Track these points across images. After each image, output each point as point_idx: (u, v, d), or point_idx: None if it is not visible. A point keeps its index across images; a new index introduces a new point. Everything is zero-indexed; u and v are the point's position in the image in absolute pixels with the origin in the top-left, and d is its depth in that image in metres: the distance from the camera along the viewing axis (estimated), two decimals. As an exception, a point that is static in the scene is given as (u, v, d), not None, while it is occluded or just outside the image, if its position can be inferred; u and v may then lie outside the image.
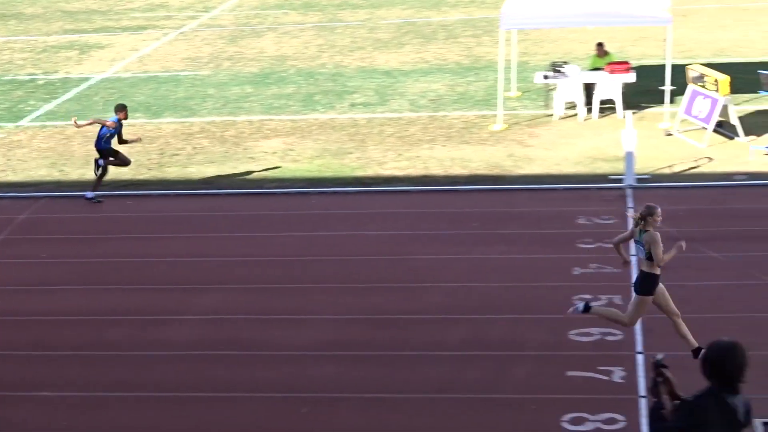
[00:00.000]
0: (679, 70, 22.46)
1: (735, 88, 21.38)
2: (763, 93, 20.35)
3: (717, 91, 20.79)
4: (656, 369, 7.51)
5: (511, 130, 22.46)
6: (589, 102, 23.14)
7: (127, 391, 12.78)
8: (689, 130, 21.49)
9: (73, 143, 23.18)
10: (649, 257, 12.26)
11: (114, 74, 29.38)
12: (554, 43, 29.92)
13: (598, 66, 23.70)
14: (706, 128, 20.98)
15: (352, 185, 19.81)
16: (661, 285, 12.41)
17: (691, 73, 21.85)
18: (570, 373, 12.65)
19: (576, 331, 13.64)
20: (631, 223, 17.14)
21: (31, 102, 26.86)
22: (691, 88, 21.69)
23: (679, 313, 12.47)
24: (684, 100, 21.80)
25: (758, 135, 20.83)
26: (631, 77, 23.17)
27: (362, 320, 14.40)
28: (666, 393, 7.44)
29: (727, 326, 12.67)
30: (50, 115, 25.58)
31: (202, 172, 20.84)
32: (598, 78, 23.13)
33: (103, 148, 19.48)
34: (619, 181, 19.04)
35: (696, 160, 20.10)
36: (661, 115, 22.31)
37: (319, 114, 24.47)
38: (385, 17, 35.47)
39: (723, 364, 7.15)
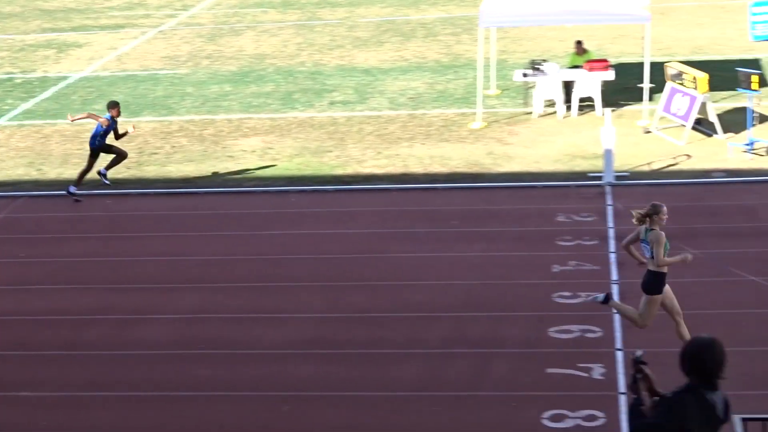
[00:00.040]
0: (657, 68, 22.52)
1: (713, 86, 21.44)
2: (741, 90, 20.40)
3: (695, 88, 20.85)
4: (635, 365, 7.50)
5: (491, 128, 22.48)
6: (568, 100, 23.17)
7: (106, 391, 12.74)
8: (668, 128, 21.55)
9: (51, 142, 23.08)
10: (653, 255, 12.21)
11: (92, 73, 29.26)
12: (533, 41, 29.95)
13: (577, 64, 23.74)
14: (684, 126, 21.04)
15: (331, 184, 19.78)
16: (666, 284, 12.36)
17: (670, 70, 21.91)
18: (550, 370, 12.67)
19: (556, 328, 13.67)
20: (611, 219, 17.25)
21: (9, 101, 26.74)
22: (669, 85, 21.75)
23: (681, 312, 12.45)
24: (663, 97, 21.86)
25: (736, 132, 20.89)
26: (610, 75, 23.21)
27: (342, 318, 14.38)
28: (645, 389, 7.43)
29: (705, 323, 12.69)
30: (28, 114, 25.46)
31: (180, 170, 20.78)
32: (577, 76, 23.17)
33: (97, 146, 19.39)
34: (598, 178, 19.07)
35: (675, 158, 20.15)
36: (640, 112, 22.36)
37: (298, 112, 24.43)
38: (364, 15, 35.43)
39: (702, 360, 7.15)
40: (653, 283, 12.25)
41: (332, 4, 37.68)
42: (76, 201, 19.34)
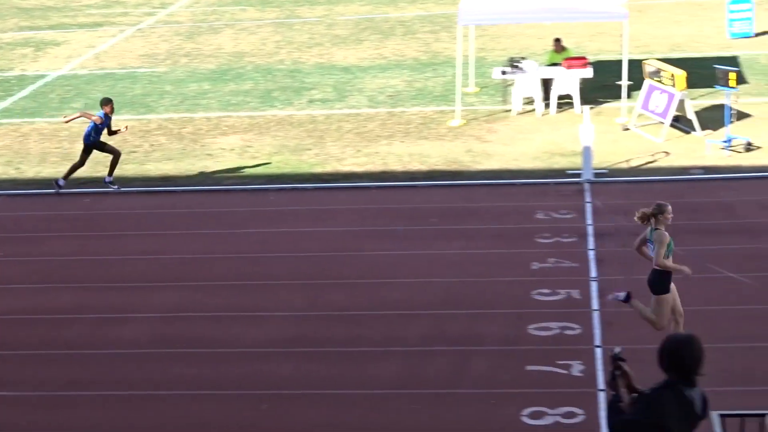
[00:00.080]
0: (635, 66, 22.56)
1: (691, 83, 21.51)
2: (719, 88, 20.45)
3: (673, 85, 20.90)
4: (614, 362, 7.50)
5: (470, 126, 22.48)
6: (546, 97, 23.20)
7: (85, 390, 12.69)
8: (646, 125, 21.60)
9: (29, 141, 22.98)
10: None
11: (70, 71, 29.14)
12: (512, 39, 29.97)
13: (555, 61, 23.77)
14: (662, 123, 21.09)
15: (310, 181, 19.75)
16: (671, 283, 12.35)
17: (648, 68, 21.95)
18: (529, 368, 12.68)
19: (535, 325, 13.68)
20: (590, 216, 17.28)
21: (-14, 99, 26.63)
22: (647, 83, 21.79)
23: (683, 313, 12.45)
24: (641, 95, 21.90)
25: (714, 129, 20.95)
26: (589, 72, 23.25)
27: (321, 316, 14.36)
28: (624, 386, 7.44)
29: (685, 319, 12.71)
30: (5, 113, 25.34)
31: (159, 169, 20.71)
32: (556, 73, 23.20)
33: (91, 142, 19.29)
34: (577, 175, 19.10)
35: (653, 155, 20.20)
36: (618, 110, 22.40)
37: (277, 110, 24.39)
38: (342, 13, 35.40)
39: (680, 357, 7.17)
40: (658, 282, 12.22)
41: (311, 2, 37.64)
42: (58, 194, 19.26)
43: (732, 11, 28.91)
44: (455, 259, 15.99)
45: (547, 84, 23.26)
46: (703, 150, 20.14)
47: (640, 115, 21.81)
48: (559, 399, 11.93)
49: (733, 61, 25.44)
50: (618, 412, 7.35)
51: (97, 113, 19.35)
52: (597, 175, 19.06)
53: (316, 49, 30.29)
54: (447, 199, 18.59)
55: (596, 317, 13.80)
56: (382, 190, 19.21)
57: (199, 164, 20.92)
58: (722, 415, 8.61)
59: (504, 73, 23.43)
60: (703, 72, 23.21)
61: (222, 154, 21.48)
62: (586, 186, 18.72)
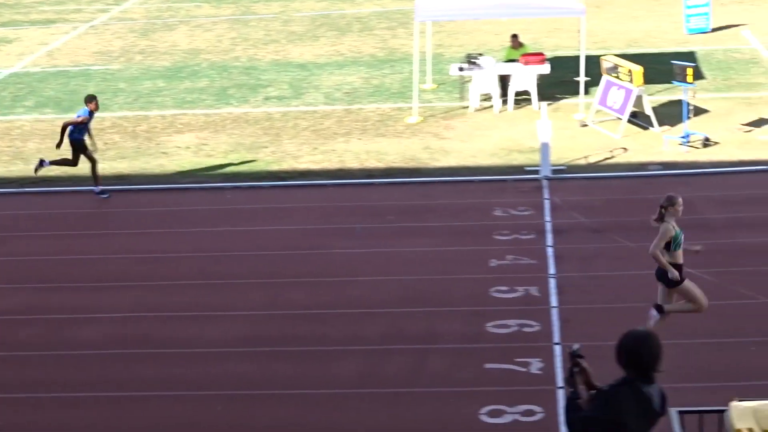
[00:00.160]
0: (593, 61, 22.55)
1: (648, 79, 21.52)
2: (676, 83, 20.48)
3: (631, 81, 20.90)
4: (572, 359, 7.48)
5: (427, 123, 22.39)
6: (504, 94, 23.15)
7: (41, 392, 12.53)
8: (604, 121, 21.59)
9: (-20, 140, 22.68)
10: (667, 247, 12.19)
11: (22, 69, 28.80)
12: (469, 35, 29.92)
13: (512, 58, 23.72)
14: (620, 119, 21.09)
15: (267, 180, 19.61)
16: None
17: (605, 64, 21.95)
18: (488, 366, 12.63)
19: (493, 323, 13.62)
20: (548, 213, 17.25)
21: (-63, 98, 26.24)
22: (605, 79, 21.79)
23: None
24: (598, 90, 21.90)
25: (672, 125, 20.98)
26: (546, 68, 23.21)
27: (279, 315, 14.25)
28: (582, 383, 7.43)
29: (642, 315, 12.68)
30: (-43, 111, 25.00)
31: (113, 167, 20.45)
32: (513, 70, 23.15)
33: (76, 139, 18.88)
34: (535, 172, 19.06)
35: (611, 151, 20.19)
36: (576, 106, 22.39)
37: (233, 108, 24.20)
38: (299, 9, 35.23)
39: (638, 354, 7.16)
40: (666, 274, 12.18)
41: (267, -1, 37.46)
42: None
43: (689, 7, 29.02)
44: (413, 256, 15.91)
45: (504, 80, 23.21)
46: (661, 146, 20.16)
47: (597, 111, 21.81)
48: (518, 397, 11.89)
49: (690, 56, 25.52)
50: (576, 409, 7.33)
51: (81, 110, 18.97)
52: (555, 171, 19.03)
53: (272, 46, 30.11)
54: (405, 197, 18.51)
55: (555, 314, 13.77)
56: (340, 188, 19.10)
57: (154, 163, 20.71)
58: (681, 412, 8.65)
59: (461, 69, 23.35)
60: (660, 68, 23.26)
61: (177, 152, 21.28)
62: (544, 182, 18.68)
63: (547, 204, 17.69)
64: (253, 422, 11.76)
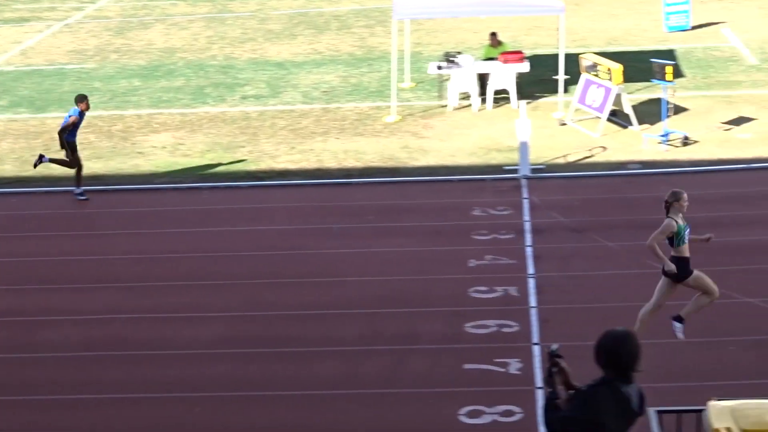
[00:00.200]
0: (572, 60, 22.48)
1: (628, 77, 21.47)
2: (655, 81, 20.42)
3: (610, 80, 20.84)
4: (551, 359, 7.48)
5: (406, 122, 22.29)
6: (483, 92, 23.06)
7: (12, 395, 12.40)
8: (583, 120, 21.53)
9: (-46, 140, 22.47)
10: (671, 242, 12.15)
11: (-3, 68, 28.60)
12: (447, 33, 29.84)
13: (491, 56, 23.64)
14: (599, 117, 21.03)
15: (244, 179, 19.49)
16: (668, 279, 12.24)
17: (585, 62, 21.88)
18: (467, 366, 12.58)
19: (472, 323, 13.56)
20: (527, 212, 17.17)
21: None
22: (584, 77, 21.73)
23: (663, 306, 12.39)
24: (577, 89, 21.84)
25: (651, 123, 20.94)
26: (525, 67, 23.14)
27: (257, 317, 14.17)
28: (561, 383, 7.43)
29: (622, 315, 12.63)
30: (-70, 111, 24.77)
31: (89, 167, 20.19)
32: (492, 68, 23.06)
33: (69, 139, 18.65)
34: (514, 171, 18.98)
35: (590, 150, 20.13)
36: (555, 104, 22.33)
37: (210, 107, 24.05)
38: (276, 8, 35.07)
39: (617, 354, 7.17)
40: (679, 268, 12.15)
41: (244, -3, 37.29)
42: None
43: (668, 4, 29.01)
44: (392, 256, 15.84)
45: (483, 79, 23.12)
46: (641, 144, 20.11)
47: (577, 110, 21.74)
48: (497, 397, 11.86)
49: (669, 54, 25.51)
50: (554, 409, 7.34)
51: (71, 110, 18.75)
52: (534, 170, 18.96)
53: (249, 45, 29.96)
54: (383, 196, 18.43)
55: (534, 314, 13.71)
56: (318, 188, 19.00)
57: (130, 162, 20.55)
58: (659, 412, 8.69)
59: (440, 68, 23.25)
60: (639, 66, 23.23)
61: (153, 152, 21.13)
62: (523, 182, 18.60)
63: (526, 203, 17.62)
64: (232, 424, 11.69)
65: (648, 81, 21.49)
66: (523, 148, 18.84)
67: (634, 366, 7.18)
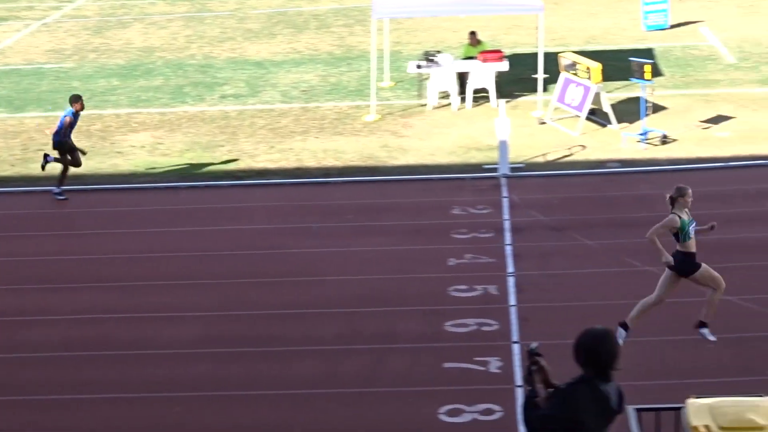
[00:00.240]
0: (551, 59, 22.51)
1: (607, 76, 21.50)
2: (634, 80, 20.46)
3: (589, 78, 20.87)
4: (531, 357, 7.47)
5: (385, 121, 22.28)
6: (462, 91, 23.06)
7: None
8: (562, 118, 21.56)
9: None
10: (677, 238, 12.18)
11: (-25, 68, 28.45)
12: (427, 32, 29.84)
13: (470, 55, 23.64)
14: (579, 116, 21.06)
15: (223, 179, 19.44)
16: (672, 273, 12.29)
17: (564, 61, 21.91)
18: (447, 365, 12.56)
19: (452, 322, 13.55)
20: (506, 211, 17.18)
21: None
22: (563, 76, 21.75)
23: (663, 302, 12.45)
24: (557, 88, 21.86)
25: (630, 122, 20.97)
26: (504, 66, 23.16)
27: (236, 316, 14.12)
28: (540, 381, 7.42)
29: (601, 313, 12.67)
30: None
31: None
32: (471, 67, 23.07)
33: (60, 141, 18.53)
34: (494, 170, 18.99)
35: (569, 148, 20.16)
36: (535, 103, 22.35)
37: (189, 106, 23.97)
38: (255, 7, 35.00)
39: (596, 352, 7.17)
40: (685, 263, 12.22)
41: (223, -4, 37.21)
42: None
43: (647, 3, 29.08)
44: (371, 255, 15.82)
45: (462, 78, 23.12)
46: (620, 143, 20.15)
47: (556, 109, 21.77)
48: (477, 396, 11.85)
49: (648, 53, 25.57)
50: (534, 408, 7.34)
51: (66, 111, 18.63)
52: (513, 169, 18.97)
53: (228, 44, 29.89)
54: (363, 196, 18.41)
55: (513, 313, 13.71)
56: (297, 187, 18.97)
57: (109, 162, 20.48)
58: (638, 410, 8.71)
59: (419, 67, 23.24)
60: (618, 64, 23.26)
61: (132, 151, 21.06)
62: (503, 180, 18.61)
63: (505, 202, 17.63)
64: (212, 423, 11.65)
65: (627, 80, 21.53)
66: (503, 146, 18.85)
67: (612, 364, 7.18)
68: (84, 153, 19.05)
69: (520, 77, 24.05)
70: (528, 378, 7.44)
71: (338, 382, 12.34)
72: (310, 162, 20.07)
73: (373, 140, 21.11)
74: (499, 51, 23.69)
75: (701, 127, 20.96)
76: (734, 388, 9.98)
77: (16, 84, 26.35)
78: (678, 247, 12.28)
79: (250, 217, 17.57)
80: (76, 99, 18.75)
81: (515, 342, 12.97)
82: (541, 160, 19.68)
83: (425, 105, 23.12)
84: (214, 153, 20.74)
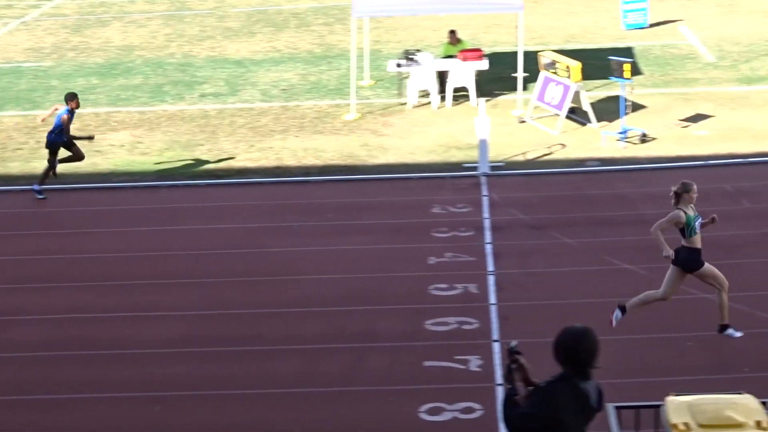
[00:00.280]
0: (531, 57, 22.55)
1: (586, 75, 21.54)
2: (613, 79, 20.51)
3: (569, 77, 20.91)
4: (510, 356, 7.47)
5: (365, 120, 22.27)
6: (442, 90, 23.07)
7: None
8: (542, 117, 21.59)
9: None
10: (682, 233, 12.21)
11: (-47, 66, 28.31)
12: (407, 31, 29.84)
13: (450, 53, 23.66)
14: (558, 115, 21.10)
15: (203, 178, 19.40)
16: (677, 268, 12.33)
17: (543, 59, 21.95)
18: (427, 363, 12.56)
19: (432, 320, 13.55)
20: (486, 209, 17.20)
21: None
22: (543, 74, 21.79)
23: (668, 299, 12.50)
24: (536, 86, 21.89)
25: (610, 121, 21.02)
26: (484, 64, 23.18)
27: (215, 315, 14.09)
28: (520, 379, 7.42)
29: (581, 311, 12.69)
30: None
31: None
32: (451, 66, 23.08)
33: (55, 140, 18.43)
34: (474, 169, 19.02)
35: (549, 147, 20.19)
36: (514, 102, 22.37)
37: (168, 105, 23.91)
38: (234, 5, 34.92)
39: (576, 350, 7.19)
40: (690, 258, 12.25)
41: (203, -5, 37.12)
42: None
43: (626, 2, 29.15)
44: (352, 254, 15.82)
45: (442, 76, 23.13)
46: (599, 142, 20.19)
47: (536, 107, 21.80)
48: (457, 394, 11.86)
49: (627, 52, 25.62)
50: (513, 406, 7.34)
51: (62, 110, 18.52)
52: (493, 168, 19.00)
53: (207, 42, 29.82)
54: (343, 194, 18.40)
55: (493, 311, 13.73)
56: (277, 186, 18.95)
57: (88, 161, 20.30)
58: (617, 407, 8.71)
59: (399, 65, 23.25)
60: (598, 63, 23.29)
61: (111, 150, 20.99)
62: (483, 179, 18.63)
63: (485, 201, 17.65)
64: (192, 423, 11.62)
65: (606, 78, 21.57)
66: (483, 145, 18.87)
67: (592, 362, 7.20)
68: (91, 138, 18.93)
69: (499, 76, 24.08)
70: (508, 376, 7.44)
71: (318, 381, 12.32)
72: (290, 161, 20.04)
73: (353, 139, 21.10)
74: (478, 50, 23.71)
75: (680, 126, 21.04)
76: (713, 386, 10.02)
77: (-5, 83, 26.26)
78: (683, 243, 12.30)
79: (230, 216, 17.53)
80: (72, 97, 18.65)
81: (495, 340, 12.98)
82: (520, 158, 19.71)
83: (405, 104, 23.12)
84: (194, 152, 20.69)
